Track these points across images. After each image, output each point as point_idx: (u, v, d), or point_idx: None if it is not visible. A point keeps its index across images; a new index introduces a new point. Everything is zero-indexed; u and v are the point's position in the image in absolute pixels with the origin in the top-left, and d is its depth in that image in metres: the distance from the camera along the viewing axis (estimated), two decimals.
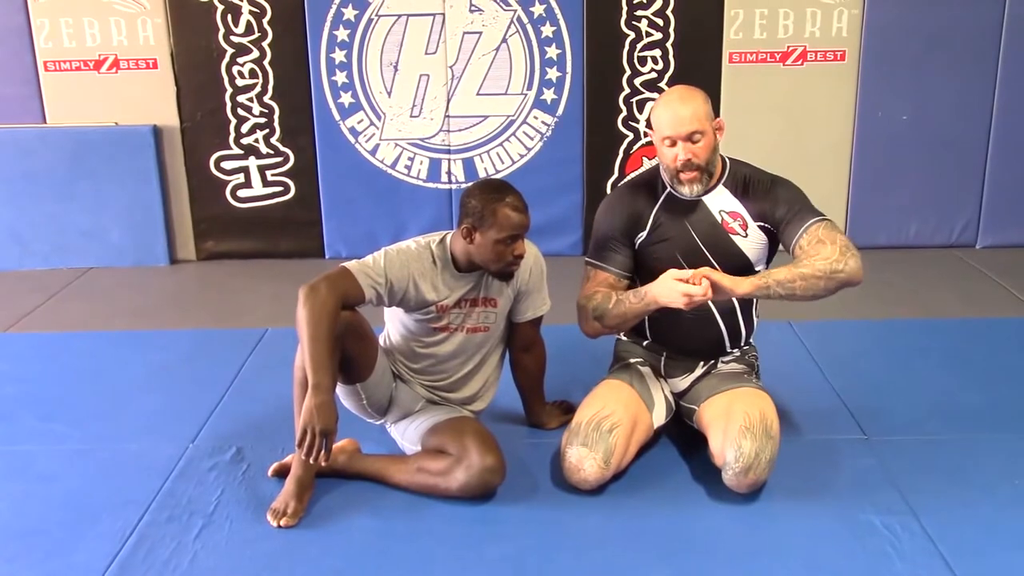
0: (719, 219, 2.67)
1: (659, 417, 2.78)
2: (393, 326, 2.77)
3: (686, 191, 2.63)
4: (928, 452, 2.85)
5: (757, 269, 2.69)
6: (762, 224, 2.67)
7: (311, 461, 2.40)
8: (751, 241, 2.68)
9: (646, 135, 4.78)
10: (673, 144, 2.58)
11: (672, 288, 2.51)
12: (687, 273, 2.51)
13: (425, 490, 2.62)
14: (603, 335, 2.79)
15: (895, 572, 2.30)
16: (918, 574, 2.30)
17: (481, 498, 2.59)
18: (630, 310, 2.64)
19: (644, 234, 2.72)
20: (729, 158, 2.74)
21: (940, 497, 2.60)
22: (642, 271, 2.75)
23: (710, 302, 2.68)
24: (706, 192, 2.66)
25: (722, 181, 2.69)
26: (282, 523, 2.51)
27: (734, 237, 2.67)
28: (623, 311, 2.66)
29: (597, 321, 2.71)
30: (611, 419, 2.63)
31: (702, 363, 2.83)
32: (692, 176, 2.60)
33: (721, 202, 2.68)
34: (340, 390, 2.66)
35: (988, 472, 2.73)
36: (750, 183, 2.69)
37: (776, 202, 2.66)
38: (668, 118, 2.58)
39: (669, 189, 2.70)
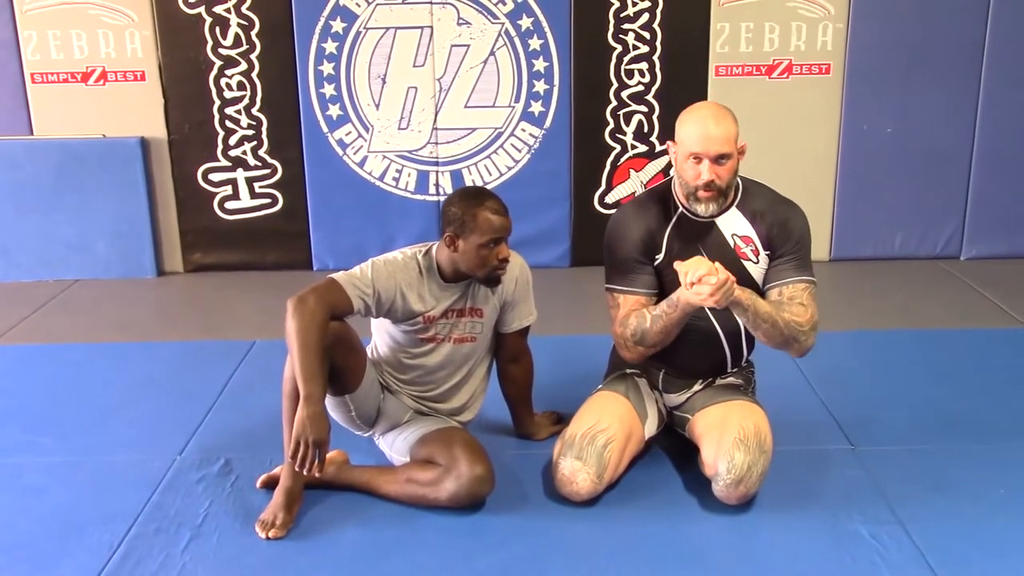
0: (731, 243, 2.63)
1: (651, 428, 2.78)
2: (380, 337, 2.77)
3: (701, 209, 2.58)
4: (914, 462, 2.86)
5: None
6: (769, 252, 2.64)
7: (304, 472, 2.40)
8: (761, 268, 2.65)
9: (633, 147, 4.80)
10: (699, 161, 2.53)
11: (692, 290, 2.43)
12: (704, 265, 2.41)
13: (414, 500, 2.61)
14: (648, 355, 2.70)
15: None
16: None
17: (471, 508, 2.59)
18: (669, 322, 2.55)
19: (661, 256, 2.66)
20: (743, 179, 2.68)
21: (927, 507, 2.62)
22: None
23: (716, 323, 2.69)
24: (719, 213, 2.63)
25: (735, 204, 2.65)
26: (271, 535, 2.50)
27: (745, 263, 2.63)
28: (663, 326, 2.56)
29: (639, 345, 2.63)
30: (606, 433, 2.62)
31: (700, 381, 2.82)
32: (710, 195, 2.55)
33: (734, 226, 2.63)
34: (329, 401, 2.65)
35: (974, 481, 2.75)
36: (766, 209, 2.64)
37: (787, 237, 2.63)
38: (699, 136, 2.52)
39: (682, 209, 2.65)
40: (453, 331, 2.70)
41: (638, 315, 2.62)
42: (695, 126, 2.54)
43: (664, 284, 2.67)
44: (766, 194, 2.70)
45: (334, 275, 2.56)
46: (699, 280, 2.37)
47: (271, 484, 2.68)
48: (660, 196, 2.72)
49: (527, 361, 2.92)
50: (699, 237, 2.64)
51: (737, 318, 2.56)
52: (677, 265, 2.44)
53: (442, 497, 2.57)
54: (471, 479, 2.54)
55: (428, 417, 2.77)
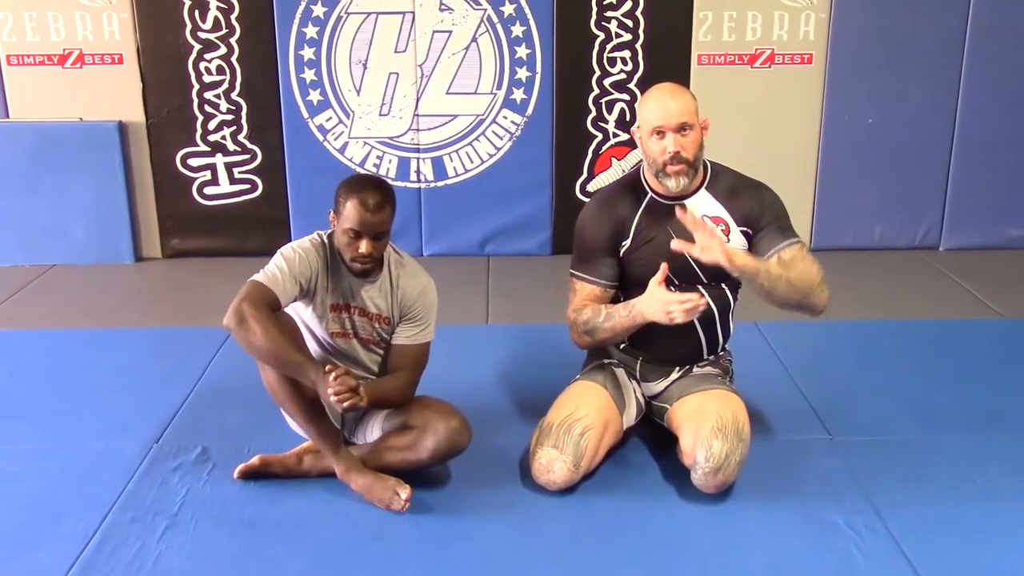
0: None
1: (629, 418, 2.78)
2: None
3: (672, 184, 2.60)
4: (892, 452, 2.88)
5: (735, 275, 2.62)
6: (744, 229, 2.67)
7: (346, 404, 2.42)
8: (733, 246, 2.66)
9: (615, 136, 4.80)
10: (662, 136, 2.56)
11: (656, 302, 2.50)
12: (676, 296, 2.48)
13: (398, 467, 2.61)
14: (595, 347, 2.78)
15: (859, 571, 2.33)
16: (882, 573, 2.32)
17: (452, 458, 2.62)
18: (619, 324, 2.62)
19: (628, 242, 2.70)
20: (709, 161, 2.72)
21: (903, 496, 2.63)
22: (626, 278, 2.73)
23: None
24: (690, 192, 2.65)
25: (704, 185, 2.68)
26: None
27: None
28: (613, 325, 2.63)
29: (587, 335, 2.69)
30: (583, 422, 2.63)
31: (678, 368, 2.82)
32: (679, 168, 2.58)
33: (704, 206, 2.65)
34: None
35: (951, 472, 2.76)
36: (735, 187, 2.69)
37: (763, 209, 2.67)
38: (659, 110, 2.57)
39: (651, 195, 2.68)
40: (359, 329, 2.68)
41: (594, 308, 2.67)
42: (654, 102, 2.60)
43: (627, 273, 2.72)
44: (734, 175, 2.74)
45: (253, 277, 2.53)
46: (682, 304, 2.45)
47: (248, 474, 2.67)
48: (630, 183, 2.76)
49: (405, 381, 2.66)
50: (669, 219, 2.64)
51: (750, 288, 2.58)
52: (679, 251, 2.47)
53: (424, 456, 2.58)
54: (448, 431, 2.56)
55: None
